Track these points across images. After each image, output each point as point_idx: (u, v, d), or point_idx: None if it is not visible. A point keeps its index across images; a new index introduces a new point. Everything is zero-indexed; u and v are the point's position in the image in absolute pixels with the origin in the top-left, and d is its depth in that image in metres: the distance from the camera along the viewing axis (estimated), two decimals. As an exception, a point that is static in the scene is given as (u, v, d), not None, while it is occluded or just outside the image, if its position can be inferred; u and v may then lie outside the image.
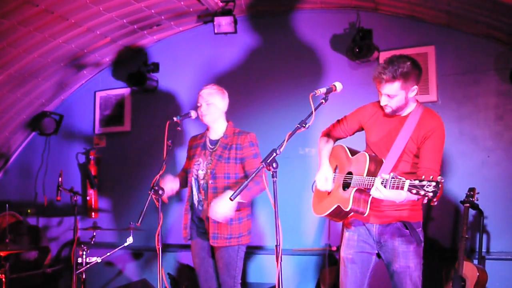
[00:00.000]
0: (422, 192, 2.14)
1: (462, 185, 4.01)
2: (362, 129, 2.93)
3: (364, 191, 2.56)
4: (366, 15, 4.66)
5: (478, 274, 3.63)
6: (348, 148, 2.91)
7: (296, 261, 4.72)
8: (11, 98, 5.34)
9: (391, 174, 2.32)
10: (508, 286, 4.00)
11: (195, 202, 3.59)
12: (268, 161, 2.39)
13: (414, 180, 2.20)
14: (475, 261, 3.93)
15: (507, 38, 4.12)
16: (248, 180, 2.42)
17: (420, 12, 4.39)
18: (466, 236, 3.76)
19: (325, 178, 2.84)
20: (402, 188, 2.23)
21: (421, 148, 2.62)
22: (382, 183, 2.34)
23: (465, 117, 4.35)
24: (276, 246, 2.37)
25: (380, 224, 2.68)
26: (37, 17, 4.39)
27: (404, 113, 2.72)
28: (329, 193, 2.86)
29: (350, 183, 2.64)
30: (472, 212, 4.10)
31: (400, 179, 2.25)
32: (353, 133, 3.03)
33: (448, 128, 4.32)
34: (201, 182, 3.55)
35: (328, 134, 3.08)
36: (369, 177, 2.51)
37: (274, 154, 2.40)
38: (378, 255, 2.79)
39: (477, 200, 3.87)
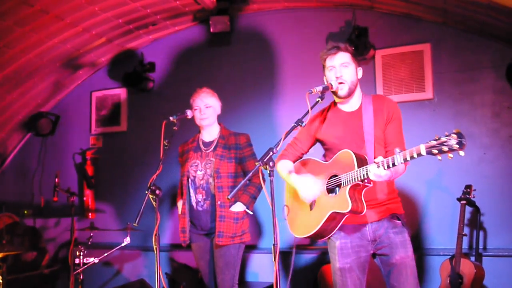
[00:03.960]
0: (445, 148, 2.01)
1: (459, 182, 4.03)
2: (316, 142, 2.90)
3: (356, 187, 2.49)
4: (362, 13, 4.66)
5: (475, 270, 3.64)
6: (315, 159, 2.86)
7: (294, 259, 4.71)
8: (7, 98, 5.32)
9: (379, 157, 2.33)
10: (505, 283, 4.01)
11: (193, 203, 3.57)
12: (265, 160, 2.39)
13: (430, 141, 2.08)
14: (472, 258, 3.94)
15: (503, 35, 4.12)
16: (245, 179, 2.48)
17: (415, 9, 4.39)
18: (463, 233, 3.77)
19: (312, 190, 2.67)
20: (414, 154, 2.14)
21: (387, 132, 2.63)
22: (381, 164, 2.31)
23: (461, 114, 4.35)
24: (274, 245, 2.36)
25: (372, 222, 2.65)
26: (33, 17, 4.37)
27: (355, 106, 2.74)
28: (311, 208, 2.72)
29: (336, 187, 2.59)
30: (468, 209, 4.11)
31: (401, 150, 2.23)
32: (308, 149, 2.98)
33: (444, 126, 4.40)
34: (201, 182, 3.55)
35: (284, 158, 2.98)
36: (362, 167, 2.42)
37: (271, 153, 2.40)
38: (374, 255, 2.75)
39: (473, 197, 3.90)
